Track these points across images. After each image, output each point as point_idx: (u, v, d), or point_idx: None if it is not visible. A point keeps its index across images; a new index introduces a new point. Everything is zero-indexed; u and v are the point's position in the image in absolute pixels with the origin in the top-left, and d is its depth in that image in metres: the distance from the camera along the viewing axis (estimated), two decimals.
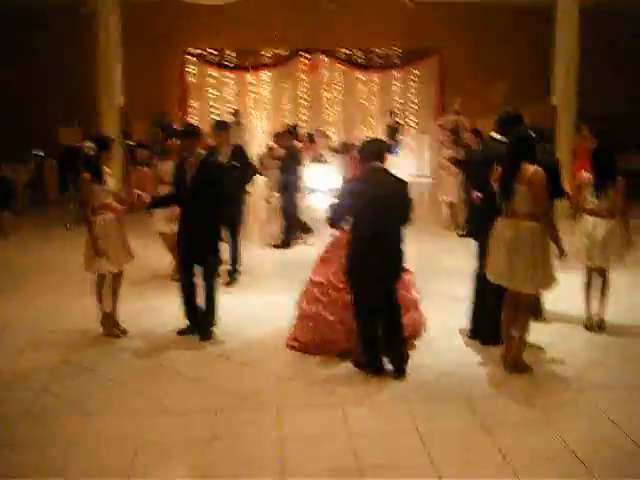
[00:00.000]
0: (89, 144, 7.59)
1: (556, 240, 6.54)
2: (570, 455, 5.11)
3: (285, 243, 12.26)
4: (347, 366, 6.73)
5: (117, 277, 7.76)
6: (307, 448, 5.30)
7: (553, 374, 6.66)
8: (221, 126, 9.97)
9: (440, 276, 9.88)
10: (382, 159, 6.59)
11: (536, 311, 7.60)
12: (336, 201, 6.71)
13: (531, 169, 6.33)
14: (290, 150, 12.51)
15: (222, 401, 6.08)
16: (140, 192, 7.89)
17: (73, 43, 16.61)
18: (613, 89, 18.48)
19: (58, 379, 6.57)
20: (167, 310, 8.27)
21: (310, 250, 11.57)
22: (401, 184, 6.60)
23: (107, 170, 7.66)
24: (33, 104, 17.50)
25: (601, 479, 4.82)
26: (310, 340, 7.07)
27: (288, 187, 12.34)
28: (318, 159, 18.80)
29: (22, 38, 17.63)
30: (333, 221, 6.78)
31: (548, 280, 6.53)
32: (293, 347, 7.18)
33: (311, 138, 19.45)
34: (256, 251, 11.72)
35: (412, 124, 21.62)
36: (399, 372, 6.54)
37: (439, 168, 13.87)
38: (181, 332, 7.68)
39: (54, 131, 17.11)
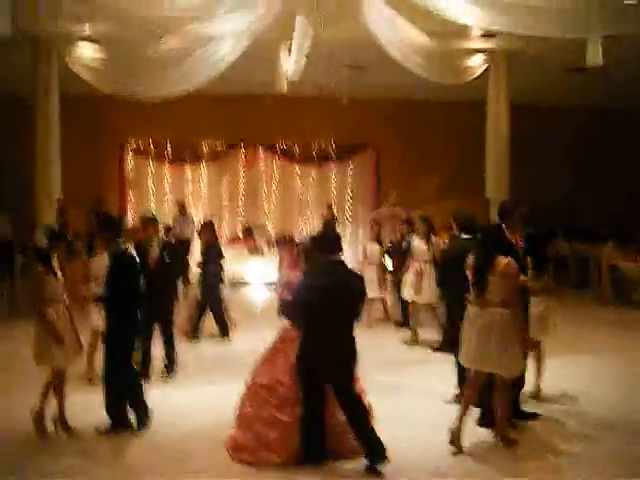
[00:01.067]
0: (40, 235, 7.51)
1: (523, 327, 6.87)
2: None
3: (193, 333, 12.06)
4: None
5: (63, 374, 7.52)
6: None
7: None
8: (147, 220, 9.78)
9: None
10: (338, 251, 6.63)
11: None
12: (285, 294, 6.79)
13: (504, 261, 6.70)
14: (209, 243, 12.37)
15: None
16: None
17: (9, 133, 16.65)
18: (543, 180, 19.17)
19: None
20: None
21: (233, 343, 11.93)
22: (357, 278, 6.70)
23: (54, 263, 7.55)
24: None
25: None
26: (260, 446, 6.57)
27: (207, 280, 12.16)
28: (256, 252, 18.89)
29: None
30: (286, 314, 6.81)
31: (517, 365, 6.86)
32: (239, 457, 6.62)
33: (249, 231, 19.59)
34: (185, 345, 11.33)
35: (348, 217, 21.90)
36: (382, 459, 6.28)
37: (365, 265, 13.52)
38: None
39: None
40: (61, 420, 7.44)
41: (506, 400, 7.01)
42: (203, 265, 12.29)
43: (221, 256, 12.53)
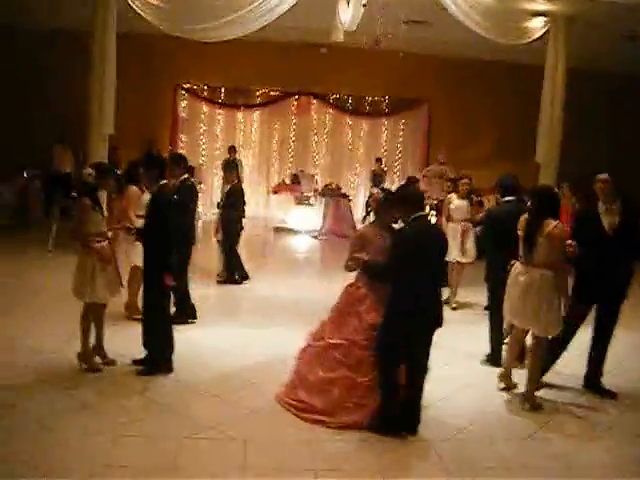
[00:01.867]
0: (89, 171, 7.59)
1: (564, 291, 7.05)
2: None
3: (229, 279, 12.08)
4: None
5: (103, 307, 7.67)
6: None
7: None
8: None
9: None
10: (423, 207, 6.58)
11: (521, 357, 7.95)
12: (372, 253, 6.50)
13: (552, 223, 6.90)
14: (233, 187, 12.22)
15: (190, 430, 6.09)
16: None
17: (69, 65, 16.83)
18: (596, 150, 18.83)
19: (32, 398, 6.55)
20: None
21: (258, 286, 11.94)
22: (442, 232, 6.80)
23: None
24: (22, 123, 17.66)
25: None
26: (342, 410, 6.38)
27: (230, 224, 12.04)
28: (302, 201, 18.98)
29: (22, 55, 17.85)
30: (382, 274, 6.41)
31: (555, 325, 7.06)
32: (315, 420, 6.40)
33: (296, 178, 19.65)
34: (203, 289, 11.22)
35: (397, 172, 21.84)
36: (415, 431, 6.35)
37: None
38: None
39: (42, 153, 17.21)
40: (100, 353, 7.61)
41: (537, 360, 7.23)
42: (224, 208, 12.16)
43: (243, 201, 12.48)
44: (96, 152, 13.62)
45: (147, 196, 8.96)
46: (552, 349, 7.50)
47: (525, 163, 15.51)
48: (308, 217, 18.81)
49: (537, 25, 14.14)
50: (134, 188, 9.17)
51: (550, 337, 7.21)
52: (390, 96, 21.21)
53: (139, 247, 8.82)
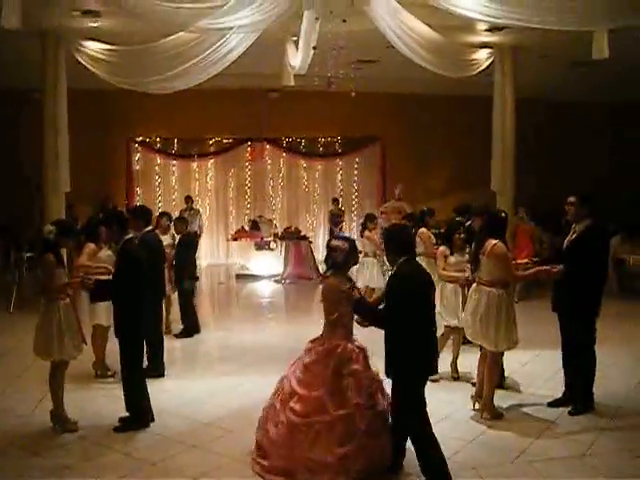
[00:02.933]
0: (50, 228, 7.53)
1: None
2: None
3: (185, 331, 11.82)
4: None
5: (65, 366, 7.50)
6: None
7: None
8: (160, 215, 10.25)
9: None
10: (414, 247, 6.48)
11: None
12: (365, 300, 6.41)
13: (492, 242, 7.33)
14: (184, 237, 12.09)
15: None
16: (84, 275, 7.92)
17: (18, 125, 16.78)
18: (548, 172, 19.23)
19: (5, 463, 6.40)
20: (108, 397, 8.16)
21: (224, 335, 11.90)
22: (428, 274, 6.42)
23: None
24: None
25: None
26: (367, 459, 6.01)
27: (182, 274, 11.76)
28: (262, 246, 18.97)
29: None
30: (381, 321, 6.03)
31: (504, 341, 7.42)
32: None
33: (255, 225, 19.67)
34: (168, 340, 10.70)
35: (354, 211, 21.97)
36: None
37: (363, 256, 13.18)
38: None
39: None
40: (59, 415, 7.39)
41: (493, 374, 7.57)
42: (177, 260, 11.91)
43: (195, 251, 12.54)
44: (53, 209, 13.52)
45: (105, 252, 8.97)
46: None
47: (482, 191, 15.72)
48: (270, 262, 18.79)
49: (483, 56, 14.40)
50: (92, 245, 9.09)
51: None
52: (343, 136, 21.42)
53: (100, 305, 8.79)
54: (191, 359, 10.59)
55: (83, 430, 7.27)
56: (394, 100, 19.86)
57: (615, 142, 20.63)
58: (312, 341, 6.48)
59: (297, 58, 12.57)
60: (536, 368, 9.45)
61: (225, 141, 21.13)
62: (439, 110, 19.93)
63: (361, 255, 13.66)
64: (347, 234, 20.31)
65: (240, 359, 10.32)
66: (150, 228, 9.61)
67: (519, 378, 8.92)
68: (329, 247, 6.47)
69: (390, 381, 6.01)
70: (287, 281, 17.89)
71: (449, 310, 9.00)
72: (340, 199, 21.12)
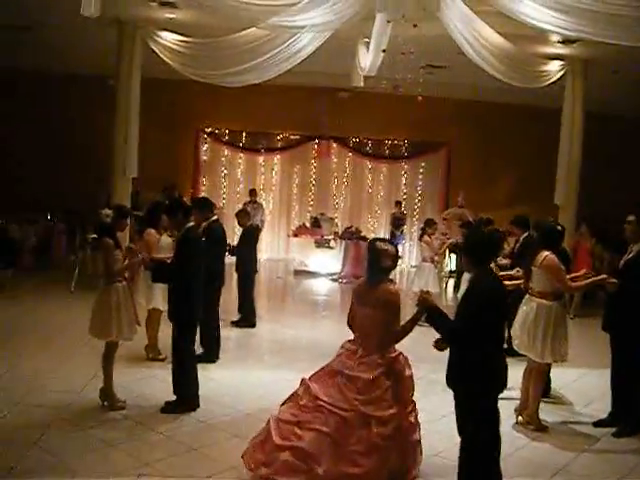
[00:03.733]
0: (107, 212, 7.73)
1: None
2: None
3: (243, 320, 12.00)
4: None
5: (117, 346, 7.70)
6: None
7: None
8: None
9: None
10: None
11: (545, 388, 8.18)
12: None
13: (544, 254, 7.42)
14: (247, 229, 12.32)
15: (212, 470, 6.11)
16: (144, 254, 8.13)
17: (92, 111, 17.20)
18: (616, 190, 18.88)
19: (47, 438, 6.59)
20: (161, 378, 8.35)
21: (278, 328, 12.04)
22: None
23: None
24: (46, 166, 18.03)
25: None
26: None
27: (245, 266, 12.07)
28: (322, 244, 19.06)
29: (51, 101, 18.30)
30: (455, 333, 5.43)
31: (551, 352, 7.44)
32: None
33: (316, 222, 19.76)
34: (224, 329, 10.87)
35: (416, 215, 21.92)
36: None
37: (421, 261, 13.51)
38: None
39: (67, 197, 17.43)
40: (109, 393, 7.60)
41: (537, 385, 7.65)
42: (240, 251, 12.21)
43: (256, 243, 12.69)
44: (120, 194, 13.84)
45: (166, 239, 9.15)
46: None
47: (544, 204, 15.56)
48: (328, 260, 18.88)
49: (554, 68, 14.26)
50: (152, 231, 9.28)
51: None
52: (409, 139, 21.39)
53: (157, 289, 9.00)
54: (242, 350, 10.73)
55: (129, 410, 7.47)
56: (462, 107, 19.78)
57: None
58: (351, 356, 6.04)
59: (367, 60, 12.64)
60: (584, 386, 9.35)
61: (292, 137, 21.26)
62: (507, 119, 19.77)
63: (419, 260, 13.78)
64: (404, 238, 20.37)
65: (290, 354, 10.44)
66: (215, 218, 9.88)
67: (566, 394, 8.86)
68: (376, 250, 6.03)
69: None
70: (344, 280, 17.94)
71: None
72: (403, 202, 21.11)
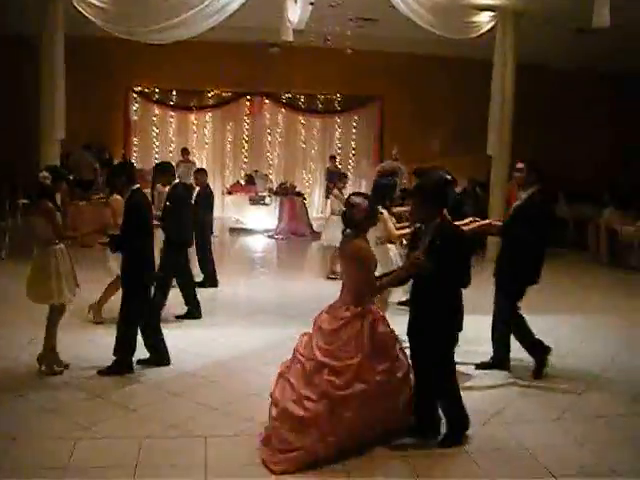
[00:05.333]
0: (45, 174, 7.55)
1: None
2: None
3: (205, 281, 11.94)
4: None
5: (63, 309, 7.59)
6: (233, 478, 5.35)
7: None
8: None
9: None
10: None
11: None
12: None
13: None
14: (205, 189, 12.16)
15: (151, 430, 6.09)
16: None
17: (16, 72, 16.68)
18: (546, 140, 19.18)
19: None
20: (99, 342, 8.26)
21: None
22: None
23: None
24: None
25: None
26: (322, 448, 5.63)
27: (204, 226, 11.87)
28: (257, 201, 19.01)
29: None
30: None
31: None
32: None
33: (250, 179, 19.69)
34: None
35: (351, 169, 21.95)
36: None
37: (332, 214, 13.67)
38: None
39: None
40: (49, 357, 7.50)
41: None
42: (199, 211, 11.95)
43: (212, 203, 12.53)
44: (48, 157, 13.52)
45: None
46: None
47: (479, 155, 15.70)
48: (263, 217, 18.86)
49: (485, 19, 14.29)
50: (118, 197, 8.95)
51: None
52: (342, 93, 21.33)
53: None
54: (179, 310, 10.64)
55: (67, 374, 7.39)
56: (395, 60, 19.75)
57: (616, 111, 20.52)
58: (327, 309, 6.08)
59: (296, 13, 12.51)
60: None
61: (224, 94, 21.07)
62: (440, 72, 19.84)
63: (328, 213, 13.90)
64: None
65: (228, 312, 10.43)
66: (177, 181, 9.98)
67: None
68: (349, 204, 6.06)
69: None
70: (280, 236, 17.97)
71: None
72: (337, 157, 21.12)
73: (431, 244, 5.84)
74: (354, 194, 6.27)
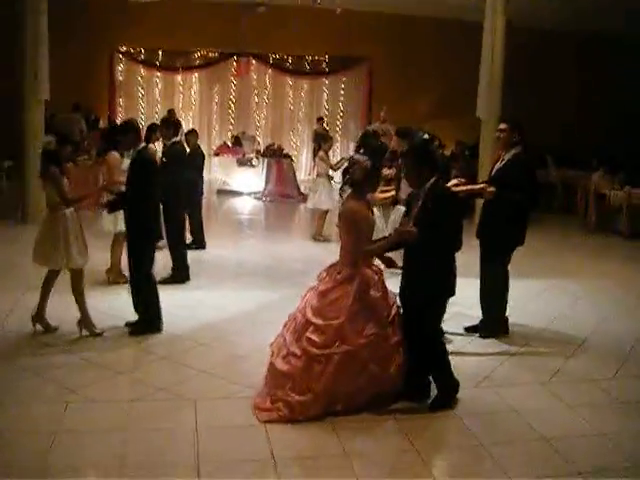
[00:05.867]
0: (48, 138, 7.48)
1: None
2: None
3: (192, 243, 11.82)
4: None
5: (80, 273, 7.48)
6: (223, 440, 5.32)
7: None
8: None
9: None
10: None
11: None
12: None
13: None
14: (196, 150, 11.97)
15: (139, 393, 6.07)
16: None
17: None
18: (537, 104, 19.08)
19: None
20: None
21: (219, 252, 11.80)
22: None
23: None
24: None
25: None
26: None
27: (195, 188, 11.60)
28: (244, 162, 18.86)
29: None
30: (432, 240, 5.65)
31: None
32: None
33: (237, 141, 19.52)
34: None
35: (339, 131, 21.81)
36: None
37: (318, 177, 13.67)
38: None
39: None
40: (41, 316, 7.48)
41: None
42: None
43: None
44: (32, 118, 13.33)
45: (127, 161, 8.95)
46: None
47: (468, 118, 15.59)
48: (251, 179, 18.73)
49: None
50: (114, 153, 9.14)
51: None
52: (330, 55, 21.12)
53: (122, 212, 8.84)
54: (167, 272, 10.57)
55: (56, 337, 7.34)
56: (383, 21, 19.58)
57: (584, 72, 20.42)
58: (327, 268, 6.07)
59: None
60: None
61: (211, 55, 20.82)
62: (429, 33, 19.71)
63: (314, 175, 13.79)
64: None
65: (215, 274, 10.37)
66: (177, 139, 9.95)
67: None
68: (350, 160, 6.03)
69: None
70: (267, 199, 17.90)
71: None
72: (325, 118, 20.95)
73: (423, 206, 5.78)
74: (357, 152, 6.23)
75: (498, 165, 7.74)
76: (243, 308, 8.62)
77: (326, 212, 12.98)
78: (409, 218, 5.92)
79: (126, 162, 8.89)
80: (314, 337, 5.70)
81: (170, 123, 10.22)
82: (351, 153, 13.46)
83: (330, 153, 13.86)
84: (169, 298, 8.62)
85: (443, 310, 6.07)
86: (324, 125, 20.42)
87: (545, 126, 18.02)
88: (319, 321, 5.75)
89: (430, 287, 5.80)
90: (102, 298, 8.50)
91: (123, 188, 8.02)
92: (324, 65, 21.45)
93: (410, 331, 5.89)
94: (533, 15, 17.24)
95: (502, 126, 7.73)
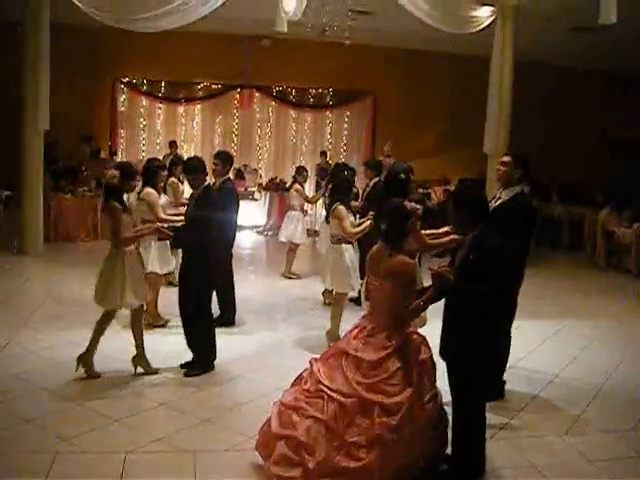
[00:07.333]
0: (114, 173, 7.21)
1: None
2: None
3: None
4: None
5: (139, 310, 7.36)
6: None
7: None
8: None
9: None
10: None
11: None
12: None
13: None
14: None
15: (135, 442, 5.72)
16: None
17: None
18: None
19: None
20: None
21: None
22: None
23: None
24: None
25: None
26: None
27: None
28: (246, 196, 18.64)
29: None
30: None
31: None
32: None
33: (240, 174, 19.32)
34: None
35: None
36: None
37: (291, 210, 13.50)
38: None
39: None
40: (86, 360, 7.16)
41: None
42: None
43: None
44: (31, 148, 13.14)
45: (164, 198, 8.93)
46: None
47: (473, 153, 15.42)
48: (253, 213, 18.51)
49: (484, 14, 13.96)
50: (151, 191, 8.63)
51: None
52: (334, 88, 20.96)
53: (153, 251, 8.75)
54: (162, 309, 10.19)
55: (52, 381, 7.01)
56: (389, 55, 19.43)
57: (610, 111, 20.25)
58: (360, 334, 5.38)
59: (291, 3, 12.16)
60: None
61: (214, 86, 20.61)
62: (435, 68, 19.57)
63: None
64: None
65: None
66: (228, 176, 9.29)
67: None
68: (401, 210, 5.47)
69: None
70: (269, 233, 17.66)
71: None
72: (328, 152, 20.74)
73: (465, 258, 5.23)
74: (410, 200, 5.78)
75: (494, 204, 6.84)
76: (243, 351, 8.30)
77: (297, 246, 12.90)
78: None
79: (163, 198, 8.85)
80: (386, 419, 4.94)
81: (225, 159, 9.19)
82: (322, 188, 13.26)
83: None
84: (165, 340, 8.37)
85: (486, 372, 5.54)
86: (327, 159, 20.22)
87: (552, 162, 17.82)
88: (384, 400, 5.02)
89: (477, 348, 5.20)
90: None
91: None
92: (328, 98, 21.25)
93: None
94: (541, 51, 17.11)
95: (505, 159, 7.02)
